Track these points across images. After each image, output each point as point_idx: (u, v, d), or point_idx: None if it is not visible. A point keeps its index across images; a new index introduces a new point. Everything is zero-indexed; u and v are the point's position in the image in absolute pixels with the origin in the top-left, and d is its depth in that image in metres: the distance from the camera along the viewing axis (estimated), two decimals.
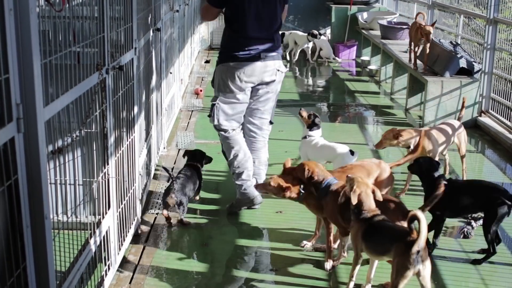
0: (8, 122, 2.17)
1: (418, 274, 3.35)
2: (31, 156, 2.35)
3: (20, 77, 2.24)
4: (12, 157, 2.22)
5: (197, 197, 5.30)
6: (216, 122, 5.04)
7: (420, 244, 3.28)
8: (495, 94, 7.88)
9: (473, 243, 4.64)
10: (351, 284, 3.86)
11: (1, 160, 2.17)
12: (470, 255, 4.46)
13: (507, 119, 7.43)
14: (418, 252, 3.29)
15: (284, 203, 5.30)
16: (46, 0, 2.59)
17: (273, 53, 5.00)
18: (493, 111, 7.85)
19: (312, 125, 5.58)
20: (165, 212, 4.84)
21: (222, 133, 5.10)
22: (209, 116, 5.12)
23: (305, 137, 5.63)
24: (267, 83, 5.05)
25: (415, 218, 3.31)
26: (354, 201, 3.71)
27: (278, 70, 5.07)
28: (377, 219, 3.64)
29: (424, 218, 3.27)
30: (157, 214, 5.02)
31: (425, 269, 3.34)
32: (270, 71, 5.00)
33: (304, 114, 5.63)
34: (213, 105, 5.04)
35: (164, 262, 4.30)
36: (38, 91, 2.32)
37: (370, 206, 3.71)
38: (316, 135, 5.59)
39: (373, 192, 3.78)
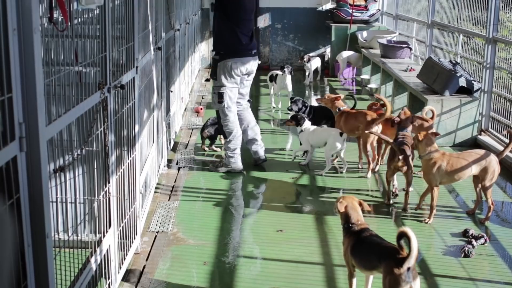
0: (11, 141, 2.18)
1: None
2: (33, 174, 2.35)
3: (23, 96, 2.25)
4: (14, 176, 2.23)
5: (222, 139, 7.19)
6: (227, 105, 6.45)
7: (411, 261, 3.31)
8: (494, 112, 7.90)
9: (474, 262, 4.63)
10: None
11: (3, 179, 2.17)
12: (472, 274, 4.44)
13: (507, 138, 7.43)
14: (408, 269, 3.32)
15: (284, 222, 5.31)
16: (49, 20, 2.61)
17: (255, 51, 6.69)
18: (493, 129, 7.86)
19: (298, 123, 6.81)
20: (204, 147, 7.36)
21: (228, 117, 6.51)
22: (219, 102, 6.46)
23: (300, 131, 6.81)
24: (251, 73, 6.66)
25: (404, 235, 3.33)
26: (340, 209, 3.86)
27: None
28: (365, 234, 3.72)
29: (414, 236, 3.29)
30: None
31: (416, 285, 3.37)
32: (256, 64, 6.71)
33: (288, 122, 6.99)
34: (221, 93, 6.42)
35: (164, 281, 4.28)
36: (41, 110, 2.33)
37: (358, 217, 3.82)
38: (307, 125, 6.79)
39: (361, 204, 3.92)
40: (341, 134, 6.45)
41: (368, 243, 3.67)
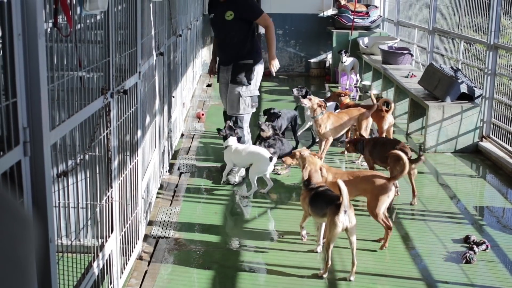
0: (15, 145, 2.19)
1: (346, 230, 4.20)
2: (37, 179, 2.36)
3: (28, 101, 2.26)
4: (18, 180, 2.24)
5: None
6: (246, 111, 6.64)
7: (345, 205, 4.11)
8: (496, 119, 7.91)
9: (476, 268, 4.63)
10: (303, 232, 4.96)
11: (8, 183, 2.18)
12: (473, 280, 4.44)
13: (508, 144, 7.44)
14: (345, 211, 4.13)
15: (286, 227, 5.31)
16: (54, 25, 2.62)
17: None
18: (494, 136, 7.87)
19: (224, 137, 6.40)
20: None
21: (246, 122, 6.67)
22: (253, 106, 6.63)
23: (225, 147, 6.39)
24: None
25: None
26: (305, 176, 4.73)
27: None
28: (321, 189, 4.59)
29: (344, 185, 4.10)
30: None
31: (352, 225, 4.20)
32: None
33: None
34: (254, 96, 6.59)
35: (166, 286, 4.28)
36: (45, 115, 2.33)
37: (317, 180, 4.71)
38: (232, 143, 6.35)
39: (321, 169, 4.79)
40: (270, 159, 6.01)
41: (322, 195, 4.52)
